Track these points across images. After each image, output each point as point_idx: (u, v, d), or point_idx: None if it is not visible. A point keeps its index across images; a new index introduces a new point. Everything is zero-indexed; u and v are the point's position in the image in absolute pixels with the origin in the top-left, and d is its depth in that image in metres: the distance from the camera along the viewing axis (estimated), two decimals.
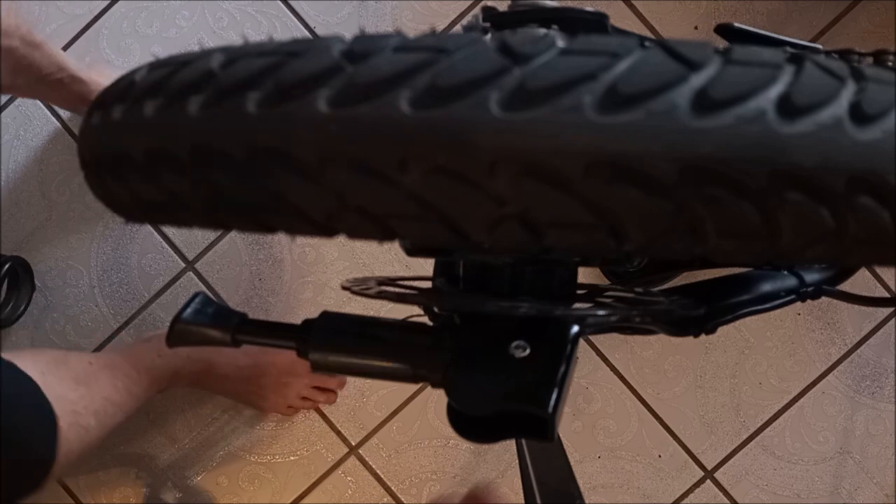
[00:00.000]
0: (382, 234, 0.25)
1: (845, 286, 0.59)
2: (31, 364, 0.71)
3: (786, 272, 0.52)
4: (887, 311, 1.05)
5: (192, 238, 1.06)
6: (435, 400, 1.05)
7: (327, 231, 0.26)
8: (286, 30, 1.06)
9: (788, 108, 0.21)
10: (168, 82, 0.27)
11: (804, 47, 0.48)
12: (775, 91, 0.21)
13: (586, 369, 1.06)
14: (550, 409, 0.31)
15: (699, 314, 0.45)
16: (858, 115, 0.22)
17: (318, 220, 0.25)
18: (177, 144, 0.26)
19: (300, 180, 0.24)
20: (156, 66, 0.29)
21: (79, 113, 1.03)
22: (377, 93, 0.23)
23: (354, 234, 0.26)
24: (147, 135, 0.27)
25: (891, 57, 0.46)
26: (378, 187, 0.23)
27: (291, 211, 0.25)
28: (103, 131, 0.30)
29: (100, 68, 0.96)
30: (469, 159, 0.22)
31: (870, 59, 0.47)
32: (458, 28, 1.04)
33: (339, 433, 1.07)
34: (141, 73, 0.29)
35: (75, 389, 0.75)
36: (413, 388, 1.06)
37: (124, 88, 0.29)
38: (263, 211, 0.26)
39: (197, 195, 0.27)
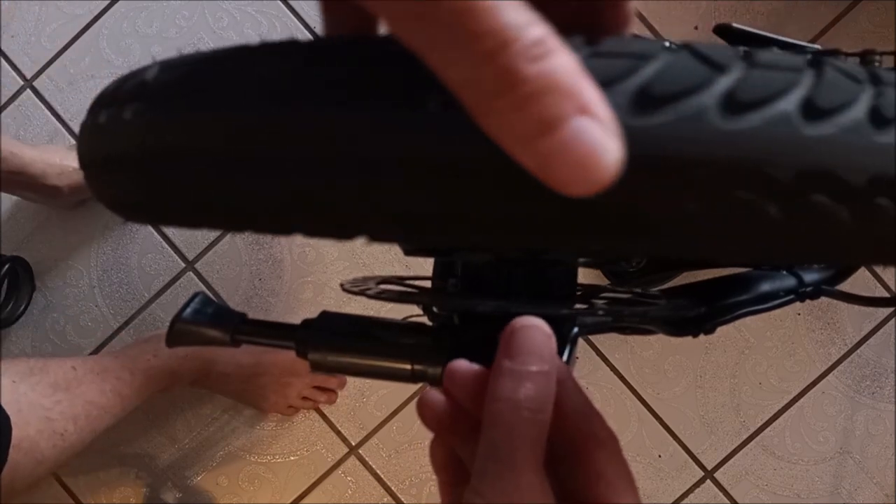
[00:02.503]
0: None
1: (845, 286, 0.59)
2: (3, 374, 0.73)
3: (785, 272, 0.52)
4: (887, 311, 1.05)
5: (192, 238, 1.06)
6: None
7: (347, 235, 0.26)
8: (286, 30, 1.06)
9: (812, 110, 0.22)
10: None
11: (802, 48, 0.48)
12: (798, 94, 0.22)
13: (586, 369, 1.06)
14: None
15: (698, 314, 0.45)
16: (876, 117, 0.22)
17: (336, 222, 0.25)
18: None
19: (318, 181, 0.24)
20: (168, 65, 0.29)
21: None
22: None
23: (376, 237, 0.26)
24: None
25: (877, 58, 0.46)
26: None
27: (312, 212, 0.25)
28: (107, 132, 0.29)
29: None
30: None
31: (856, 60, 0.47)
32: None
33: (339, 433, 1.07)
34: (152, 72, 0.29)
35: (51, 396, 0.76)
36: (413, 388, 1.06)
37: (136, 87, 0.29)
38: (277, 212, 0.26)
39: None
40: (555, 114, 0.17)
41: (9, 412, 0.69)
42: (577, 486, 0.27)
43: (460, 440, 0.30)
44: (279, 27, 1.06)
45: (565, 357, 0.33)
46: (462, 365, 0.29)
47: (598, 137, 0.18)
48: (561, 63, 0.18)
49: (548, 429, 0.26)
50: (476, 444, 0.27)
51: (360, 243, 0.25)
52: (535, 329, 0.27)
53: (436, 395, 0.30)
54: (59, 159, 0.94)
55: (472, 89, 0.18)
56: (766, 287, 0.49)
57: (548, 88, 0.17)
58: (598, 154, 0.18)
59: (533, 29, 0.18)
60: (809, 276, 0.53)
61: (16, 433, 0.69)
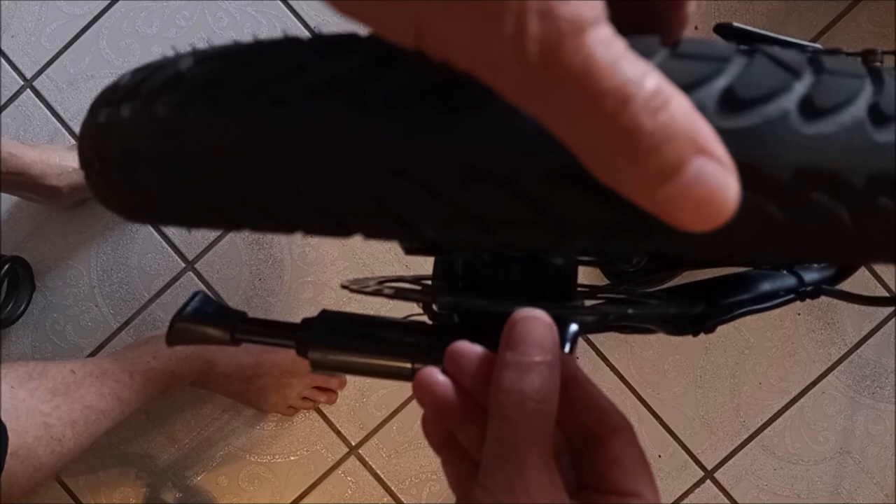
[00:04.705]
0: (338, 230, 0.25)
1: (845, 286, 0.59)
2: (1, 379, 0.72)
3: (785, 271, 0.52)
4: (887, 311, 1.05)
5: (192, 238, 1.06)
6: None
7: (290, 229, 0.26)
8: (286, 30, 1.06)
9: (811, 109, 0.21)
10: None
11: (804, 47, 0.48)
12: (798, 92, 0.22)
13: (586, 369, 1.06)
14: None
15: (698, 313, 0.45)
16: (877, 115, 0.22)
17: (282, 219, 0.26)
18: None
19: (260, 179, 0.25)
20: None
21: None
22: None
23: (313, 230, 0.26)
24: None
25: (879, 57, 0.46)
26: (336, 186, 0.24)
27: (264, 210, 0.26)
28: (107, 131, 0.29)
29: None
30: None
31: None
32: None
33: (339, 433, 1.07)
34: (152, 70, 0.29)
35: (50, 401, 0.76)
36: None
37: (135, 86, 0.29)
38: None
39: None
40: (675, 161, 0.17)
41: (6, 419, 0.68)
42: (593, 475, 0.27)
43: (461, 424, 0.29)
44: (279, 27, 1.06)
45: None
46: (465, 346, 0.28)
47: (717, 176, 0.18)
48: (677, 108, 0.18)
49: (554, 419, 0.26)
50: (478, 429, 0.27)
51: (360, 243, 0.26)
52: (536, 320, 0.27)
53: (435, 376, 0.28)
54: (59, 160, 0.94)
55: (594, 151, 0.18)
56: (766, 286, 0.49)
57: (667, 138, 0.17)
58: (718, 194, 0.18)
59: (649, 79, 0.17)
60: (809, 276, 0.53)
61: (13, 441, 0.68)
